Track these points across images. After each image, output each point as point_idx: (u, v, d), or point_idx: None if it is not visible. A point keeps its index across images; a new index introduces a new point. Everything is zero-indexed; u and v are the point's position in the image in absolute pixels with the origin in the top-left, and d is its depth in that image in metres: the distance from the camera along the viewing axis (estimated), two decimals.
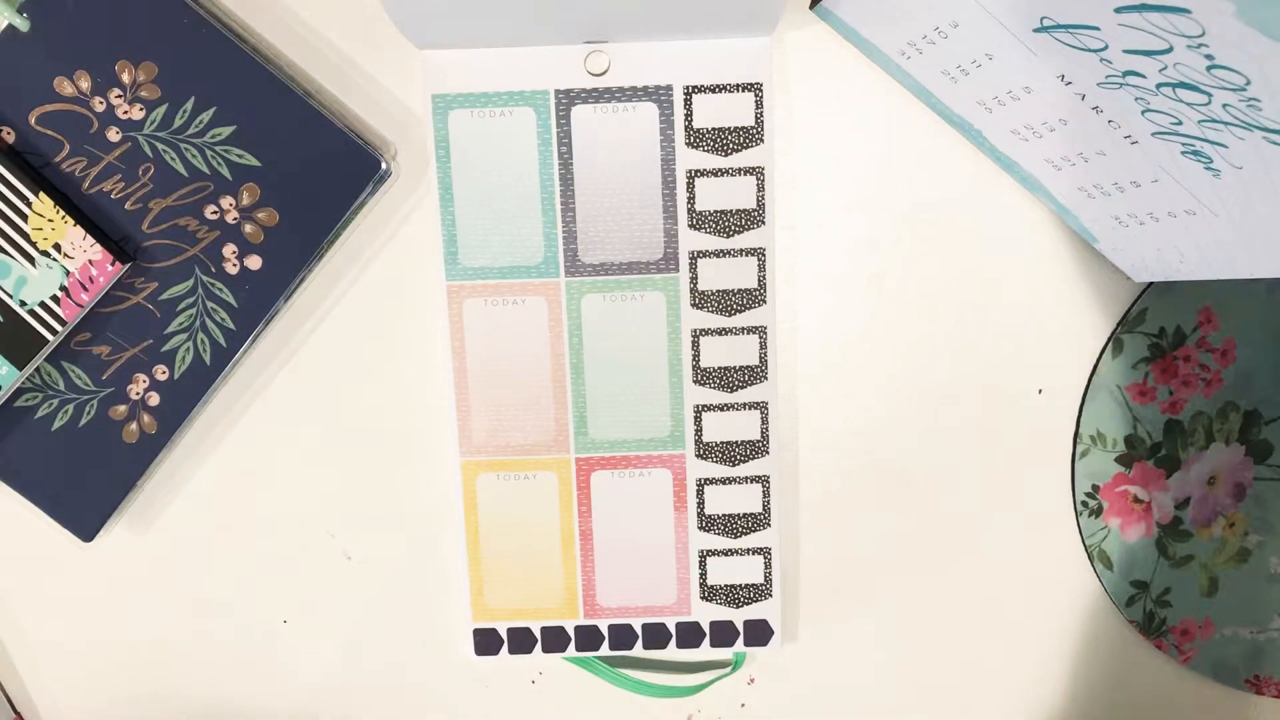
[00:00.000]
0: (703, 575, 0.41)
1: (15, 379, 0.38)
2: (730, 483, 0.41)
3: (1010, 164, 0.38)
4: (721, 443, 0.40)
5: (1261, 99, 0.25)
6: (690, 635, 0.41)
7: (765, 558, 0.41)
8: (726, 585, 0.41)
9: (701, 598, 0.41)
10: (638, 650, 0.41)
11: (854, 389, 0.42)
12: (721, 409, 0.40)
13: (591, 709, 0.44)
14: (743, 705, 0.44)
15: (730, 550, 0.41)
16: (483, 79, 0.38)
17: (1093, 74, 0.30)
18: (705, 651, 0.43)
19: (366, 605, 0.43)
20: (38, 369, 0.39)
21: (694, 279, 0.39)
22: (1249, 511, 0.43)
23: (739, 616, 0.41)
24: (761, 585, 0.41)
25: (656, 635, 0.41)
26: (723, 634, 0.41)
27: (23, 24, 0.37)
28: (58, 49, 0.37)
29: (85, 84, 0.37)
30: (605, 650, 0.41)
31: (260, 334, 0.40)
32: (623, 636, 0.41)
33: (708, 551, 0.41)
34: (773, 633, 0.42)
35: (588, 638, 0.41)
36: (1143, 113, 0.30)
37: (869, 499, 0.42)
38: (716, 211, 0.39)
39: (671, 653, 0.42)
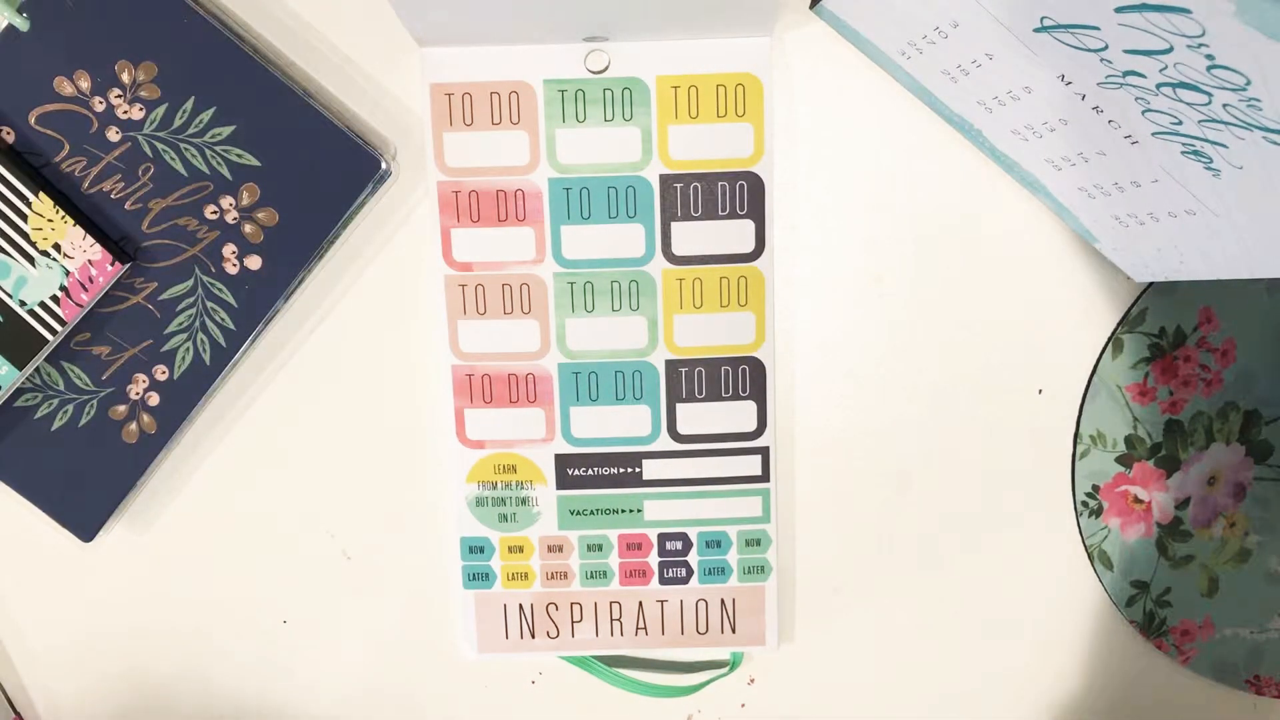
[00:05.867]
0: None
1: (15, 379, 0.38)
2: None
3: (1010, 164, 0.38)
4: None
5: (1261, 99, 0.25)
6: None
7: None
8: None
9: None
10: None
11: (854, 389, 0.42)
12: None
13: (591, 709, 0.44)
14: (743, 705, 0.44)
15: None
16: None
17: (1093, 74, 0.30)
18: (703, 651, 0.43)
19: (366, 605, 0.43)
20: (38, 369, 0.39)
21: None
22: (1249, 511, 0.43)
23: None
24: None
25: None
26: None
27: (23, 24, 0.37)
28: (58, 49, 0.37)
29: (85, 84, 0.37)
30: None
31: (260, 334, 0.40)
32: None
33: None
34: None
35: None
36: (1143, 113, 0.30)
37: (869, 499, 0.42)
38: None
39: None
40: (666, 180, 0.39)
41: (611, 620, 0.42)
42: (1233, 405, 0.42)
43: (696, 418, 0.40)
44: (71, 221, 0.37)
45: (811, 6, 0.38)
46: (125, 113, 0.38)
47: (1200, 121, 0.28)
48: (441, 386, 0.40)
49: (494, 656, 0.42)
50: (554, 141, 0.38)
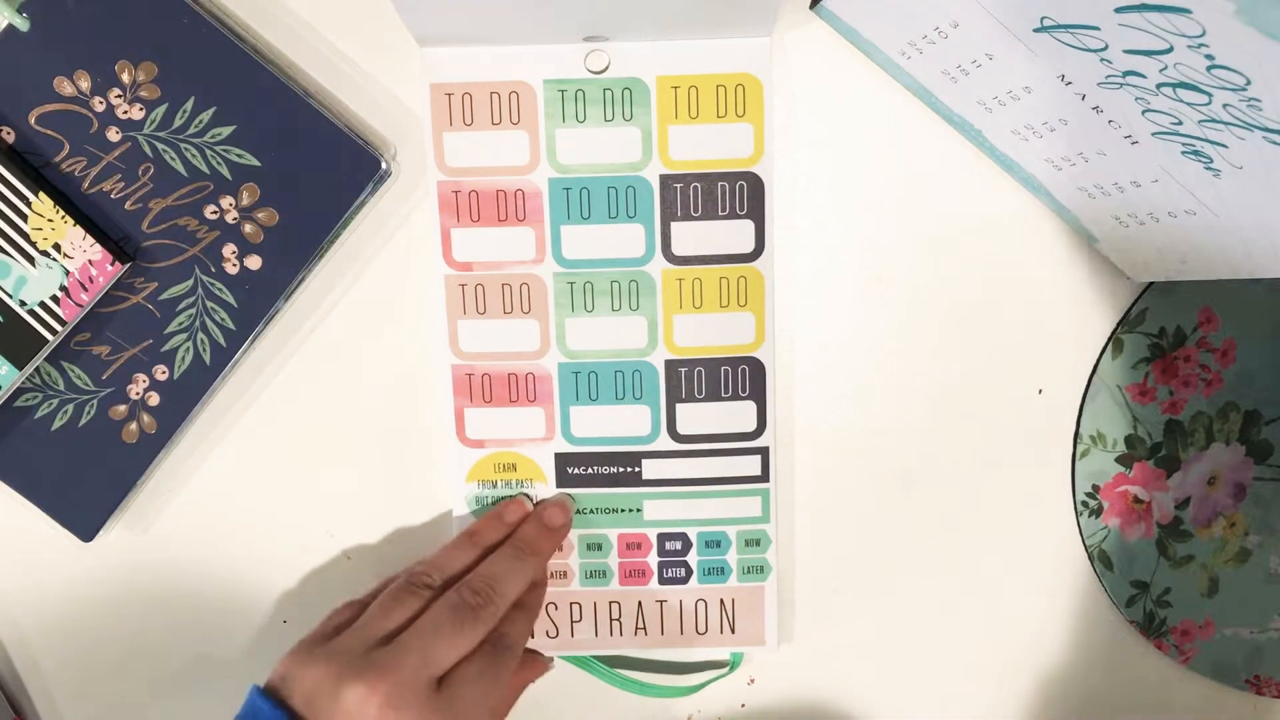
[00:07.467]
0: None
1: (15, 379, 0.38)
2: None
3: (1010, 164, 0.38)
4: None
5: (1261, 99, 0.25)
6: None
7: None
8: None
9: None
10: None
11: (854, 389, 0.42)
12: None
13: (591, 709, 0.44)
14: (743, 705, 0.44)
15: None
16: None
17: (1093, 74, 0.30)
18: (703, 651, 0.43)
19: None
20: (38, 369, 0.39)
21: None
22: (1249, 511, 0.43)
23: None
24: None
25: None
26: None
27: (23, 24, 0.37)
28: (58, 49, 0.37)
29: (85, 84, 0.37)
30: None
31: (260, 334, 0.40)
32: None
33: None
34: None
35: None
36: (1143, 113, 0.30)
37: (869, 499, 0.42)
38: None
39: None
40: (666, 180, 0.39)
41: (611, 620, 0.42)
42: (1233, 405, 0.42)
43: (696, 418, 0.40)
44: (71, 221, 0.37)
45: (811, 6, 0.38)
46: (125, 113, 0.38)
47: (1200, 121, 0.28)
48: (441, 386, 0.40)
49: None
50: (554, 141, 0.38)
